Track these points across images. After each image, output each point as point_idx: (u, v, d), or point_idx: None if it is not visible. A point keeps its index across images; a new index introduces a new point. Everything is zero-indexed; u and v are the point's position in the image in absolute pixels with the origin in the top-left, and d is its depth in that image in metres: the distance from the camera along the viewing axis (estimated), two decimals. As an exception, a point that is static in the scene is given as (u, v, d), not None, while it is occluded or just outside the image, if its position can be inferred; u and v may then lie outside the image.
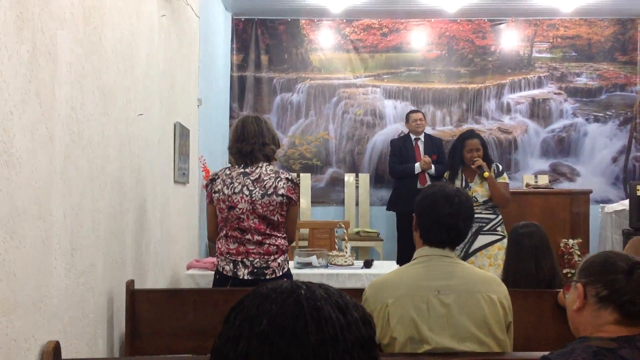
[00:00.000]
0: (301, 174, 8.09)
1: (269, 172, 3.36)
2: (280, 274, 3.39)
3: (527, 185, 7.23)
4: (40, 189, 2.32)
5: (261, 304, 1.01)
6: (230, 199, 3.31)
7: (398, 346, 2.29)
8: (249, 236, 3.32)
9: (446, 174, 5.15)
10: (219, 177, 3.39)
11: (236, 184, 3.32)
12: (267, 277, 3.33)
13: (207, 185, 3.44)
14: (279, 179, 3.34)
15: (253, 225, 3.31)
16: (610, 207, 7.12)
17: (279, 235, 3.39)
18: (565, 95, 8.22)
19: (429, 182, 6.83)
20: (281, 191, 3.32)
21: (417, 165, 6.95)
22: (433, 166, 6.91)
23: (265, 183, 3.32)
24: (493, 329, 2.32)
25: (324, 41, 8.29)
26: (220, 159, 7.24)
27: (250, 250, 3.32)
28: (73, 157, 2.64)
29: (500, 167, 5.00)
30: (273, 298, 1.02)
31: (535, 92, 8.24)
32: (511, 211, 5.49)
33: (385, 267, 4.68)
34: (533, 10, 7.95)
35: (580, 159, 8.16)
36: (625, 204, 6.64)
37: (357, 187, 8.11)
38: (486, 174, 4.80)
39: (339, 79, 8.28)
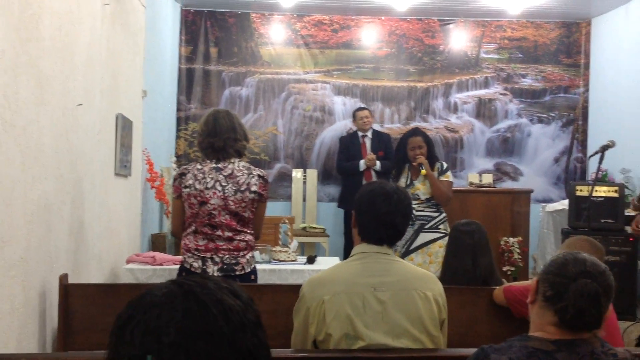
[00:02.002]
0: (249, 169, 8.02)
1: (241, 168, 3.34)
2: (249, 270, 3.38)
3: (471, 183, 7.33)
4: (-33, 179, 2.25)
5: (161, 314, 0.98)
6: (202, 194, 3.26)
7: (333, 342, 2.29)
8: (219, 232, 3.28)
9: (393, 172, 5.19)
10: (189, 172, 3.32)
11: (208, 179, 3.27)
12: (237, 272, 3.30)
13: (175, 180, 3.37)
14: (251, 175, 3.33)
15: (224, 221, 3.28)
16: (550, 207, 7.27)
17: (247, 231, 3.37)
18: (511, 96, 8.36)
19: (374, 179, 6.89)
20: (254, 188, 3.31)
21: (361, 162, 7.01)
22: (378, 163, 6.97)
23: (238, 179, 3.29)
24: (427, 325, 2.34)
25: (274, 35, 8.25)
26: (166, 152, 7.15)
27: (220, 247, 3.28)
28: (4, 146, 2.57)
29: (445, 165, 5.02)
30: (171, 304, 0.99)
31: (482, 92, 8.36)
32: (454, 209, 5.57)
33: (329, 263, 4.66)
34: (481, 12, 8.06)
35: (524, 159, 8.32)
36: (565, 204, 6.79)
37: (304, 182, 8.10)
38: (423, 171, 4.82)
39: (288, 74, 8.25)
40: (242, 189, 3.29)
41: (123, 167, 4.68)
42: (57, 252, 3.29)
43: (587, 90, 8.35)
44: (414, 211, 4.83)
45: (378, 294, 2.32)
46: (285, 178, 8.18)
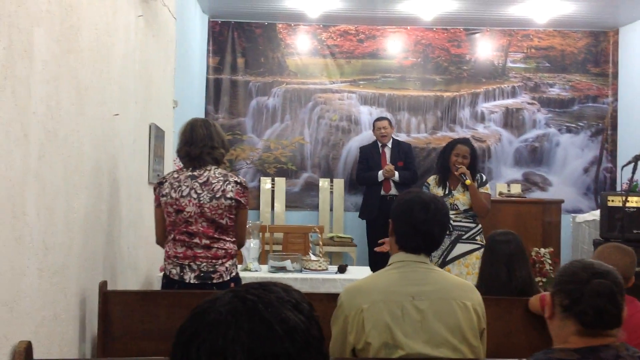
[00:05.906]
0: (276, 179, 8.08)
1: (217, 175, 3.35)
2: (228, 278, 3.38)
3: (500, 193, 7.30)
4: (14, 187, 2.29)
5: (227, 334, 0.97)
6: (177, 202, 3.30)
7: (372, 351, 2.29)
8: (196, 240, 3.31)
9: (431, 179, 5.04)
10: (166, 181, 3.37)
11: (184, 187, 3.31)
12: (215, 281, 3.32)
13: (155, 189, 3.42)
14: (227, 182, 3.34)
15: (201, 229, 3.30)
16: (581, 217, 7.21)
17: (227, 239, 3.38)
18: (539, 105, 8.31)
19: (392, 190, 6.90)
20: (230, 194, 3.32)
21: (380, 172, 6.99)
22: (397, 173, 6.94)
23: (213, 186, 3.31)
24: (467, 335, 2.33)
25: (301, 46, 8.29)
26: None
27: (198, 254, 3.31)
28: (48, 156, 2.61)
29: (485, 177, 4.97)
30: (235, 322, 0.99)
31: (509, 102, 8.32)
32: (484, 220, 5.53)
33: (359, 273, 4.68)
34: (508, 21, 8.04)
35: (553, 169, 8.25)
36: (596, 215, 6.74)
37: (331, 192, 8.12)
38: (468, 181, 4.75)
39: (315, 84, 8.29)
40: (217, 195, 3.30)
41: (156, 177, 4.72)
42: (95, 259, 3.34)
43: (615, 100, 8.28)
44: (451, 221, 4.80)
45: (417, 303, 2.32)
46: (312, 187, 8.20)
